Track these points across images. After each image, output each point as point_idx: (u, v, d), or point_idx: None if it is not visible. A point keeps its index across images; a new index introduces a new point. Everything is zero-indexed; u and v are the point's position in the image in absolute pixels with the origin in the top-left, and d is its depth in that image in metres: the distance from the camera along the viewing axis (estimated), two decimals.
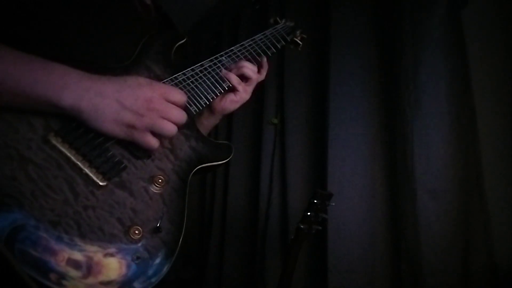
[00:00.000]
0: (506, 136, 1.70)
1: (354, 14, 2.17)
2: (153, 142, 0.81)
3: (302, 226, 1.58)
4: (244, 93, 1.16)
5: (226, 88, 1.09)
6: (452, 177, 1.74)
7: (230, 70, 1.13)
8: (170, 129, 0.81)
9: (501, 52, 1.75)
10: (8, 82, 0.70)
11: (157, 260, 0.78)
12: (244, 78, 1.16)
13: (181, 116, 0.84)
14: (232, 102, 1.17)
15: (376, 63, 2.08)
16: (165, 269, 0.79)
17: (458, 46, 1.78)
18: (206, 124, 1.21)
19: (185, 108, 0.96)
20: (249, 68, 1.15)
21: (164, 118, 0.80)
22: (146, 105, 0.78)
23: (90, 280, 0.68)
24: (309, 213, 1.59)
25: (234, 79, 1.12)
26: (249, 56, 1.17)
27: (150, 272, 0.76)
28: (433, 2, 1.84)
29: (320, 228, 1.63)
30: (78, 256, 0.69)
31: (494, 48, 1.79)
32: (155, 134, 0.81)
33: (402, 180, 1.85)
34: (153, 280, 0.76)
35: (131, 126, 0.77)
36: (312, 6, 2.45)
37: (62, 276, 0.66)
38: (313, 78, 2.37)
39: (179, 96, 0.85)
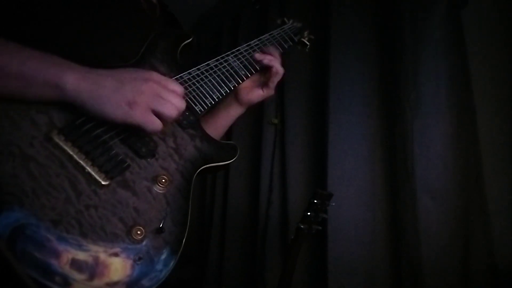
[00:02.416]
0: (506, 136, 1.70)
1: (354, 14, 2.17)
2: (157, 122, 0.78)
3: (302, 226, 1.58)
4: (272, 89, 1.22)
5: (232, 88, 1.08)
6: (452, 177, 1.74)
7: (262, 60, 1.17)
8: (171, 109, 0.79)
9: (501, 52, 1.75)
10: (13, 64, 0.71)
11: (159, 262, 0.77)
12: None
13: (179, 101, 0.82)
14: (258, 96, 1.22)
15: (376, 63, 2.09)
16: (167, 270, 0.78)
17: (458, 46, 1.79)
18: (234, 114, 1.26)
19: (190, 107, 0.96)
20: (279, 62, 1.19)
21: (163, 98, 0.79)
22: (145, 83, 0.78)
23: (96, 282, 0.68)
24: (309, 213, 1.58)
25: (273, 77, 1.18)
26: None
27: (152, 273, 0.75)
28: (433, 2, 1.84)
29: (320, 228, 1.63)
30: (81, 256, 0.68)
31: (494, 48, 1.79)
32: (156, 115, 0.79)
33: (402, 180, 1.85)
34: (154, 282, 0.75)
35: (132, 102, 0.76)
36: (312, 6, 2.45)
37: (66, 278, 0.65)
38: (313, 78, 2.37)
39: (177, 87, 0.84)
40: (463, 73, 1.77)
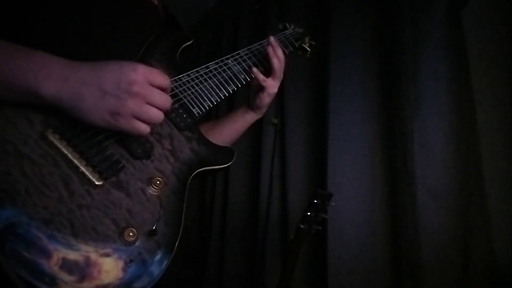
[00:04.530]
0: (506, 136, 1.69)
1: (354, 14, 2.17)
2: (142, 127, 0.76)
3: (302, 226, 1.58)
4: (271, 88, 1.19)
5: (231, 91, 1.07)
6: (452, 177, 1.74)
7: (265, 54, 1.17)
8: (156, 115, 0.77)
9: (501, 52, 1.75)
10: None
11: (151, 264, 0.76)
12: (268, 70, 1.18)
13: (165, 100, 0.80)
14: (263, 99, 1.21)
15: (376, 63, 2.08)
16: (159, 273, 0.77)
17: (458, 46, 1.78)
18: (250, 119, 1.27)
19: (188, 110, 0.96)
20: (278, 59, 1.17)
21: (148, 103, 0.76)
22: (129, 89, 0.73)
23: (85, 284, 0.67)
24: (309, 213, 1.59)
25: (260, 77, 1.16)
26: (256, 61, 1.18)
27: (144, 276, 0.74)
28: (433, 2, 1.84)
29: (320, 228, 1.63)
30: (72, 256, 0.67)
31: (494, 48, 1.78)
32: (142, 121, 0.77)
33: (402, 180, 1.85)
34: (146, 284, 0.74)
35: (115, 113, 0.73)
36: (312, 6, 2.45)
37: (54, 279, 0.64)
38: (313, 78, 2.37)
39: (163, 79, 0.80)
40: (463, 73, 1.76)
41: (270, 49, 1.17)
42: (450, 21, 1.81)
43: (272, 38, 1.18)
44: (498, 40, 1.77)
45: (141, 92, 0.75)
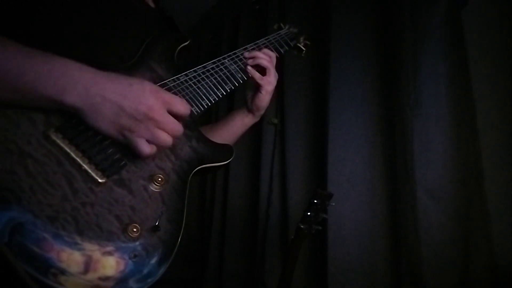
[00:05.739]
0: (506, 136, 1.70)
1: (354, 14, 2.17)
2: (145, 148, 0.78)
3: (302, 226, 1.58)
4: (268, 85, 1.20)
5: (228, 90, 1.09)
6: (452, 177, 1.74)
7: (247, 63, 1.18)
8: (165, 140, 0.80)
9: (501, 52, 1.75)
10: (8, 77, 0.70)
11: (154, 260, 0.77)
12: (262, 69, 1.20)
13: (178, 129, 0.83)
14: (262, 98, 1.22)
15: (376, 63, 2.08)
16: (162, 269, 0.78)
17: (458, 46, 1.79)
18: (248, 122, 1.29)
19: None
20: (263, 58, 1.19)
21: (160, 128, 0.79)
22: (146, 113, 0.77)
23: (89, 276, 0.68)
24: (309, 213, 1.59)
25: (257, 76, 1.18)
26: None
27: (146, 271, 0.75)
28: (433, 2, 1.84)
29: (320, 228, 1.63)
30: (77, 253, 0.68)
31: (494, 48, 1.79)
32: (150, 142, 0.80)
33: (402, 180, 1.85)
34: (149, 280, 0.75)
35: (129, 131, 0.77)
36: (312, 6, 2.46)
37: (61, 272, 0.65)
38: (313, 78, 2.37)
39: (183, 108, 0.84)
40: (463, 73, 1.77)
41: (249, 61, 1.19)
42: (450, 21, 1.81)
43: (246, 54, 1.20)
44: (498, 40, 1.77)
45: (156, 118, 0.78)
